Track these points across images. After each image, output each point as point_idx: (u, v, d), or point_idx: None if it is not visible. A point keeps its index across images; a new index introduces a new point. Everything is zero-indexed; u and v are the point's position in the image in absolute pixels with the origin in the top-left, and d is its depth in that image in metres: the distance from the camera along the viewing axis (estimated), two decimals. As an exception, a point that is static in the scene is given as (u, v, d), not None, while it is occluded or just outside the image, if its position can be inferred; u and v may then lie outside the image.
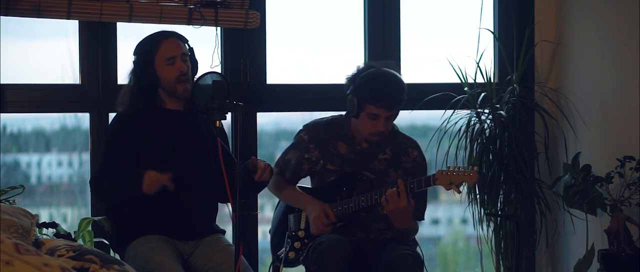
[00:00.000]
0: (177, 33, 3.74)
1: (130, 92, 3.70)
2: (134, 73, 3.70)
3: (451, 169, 3.66)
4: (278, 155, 4.12)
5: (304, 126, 3.97)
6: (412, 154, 3.92)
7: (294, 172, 3.94)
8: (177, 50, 3.67)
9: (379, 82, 3.76)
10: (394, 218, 3.74)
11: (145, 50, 3.68)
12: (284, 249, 3.85)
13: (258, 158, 3.70)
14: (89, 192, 4.21)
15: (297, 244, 3.84)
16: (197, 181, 3.70)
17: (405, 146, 3.92)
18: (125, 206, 3.67)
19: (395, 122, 3.94)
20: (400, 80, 3.81)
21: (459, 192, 3.72)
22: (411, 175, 3.85)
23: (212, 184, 3.70)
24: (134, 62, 3.71)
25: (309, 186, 3.99)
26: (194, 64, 3.75)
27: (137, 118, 3.68)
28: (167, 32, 3.75)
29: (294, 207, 3.93)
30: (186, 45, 3.73)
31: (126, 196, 3.57)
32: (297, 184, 4.00)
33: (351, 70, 3.89)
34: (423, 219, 3.96)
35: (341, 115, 3.97)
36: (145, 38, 3.72)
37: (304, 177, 3.98)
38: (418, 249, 3.83)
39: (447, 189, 3.68)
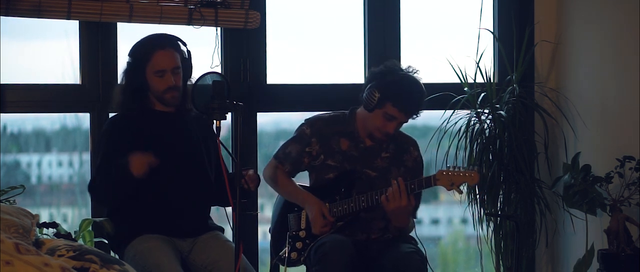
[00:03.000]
0: (173, 41, 3.72)
1: (122, 92, 3.74)
2: (126, 74, 3.73)
3: (452, 169, 3.66)
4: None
5: (306, 120, 3.97)
6: (413, 153, 3.94)
7: (294, 166, 3.94)
8: (168, 63, 3.67)
9: (408, 88, 3.79)
10: (393, 217, 3.74)
11: (138, 56, 3.69)
12: (285, 249, 3.85)
13: (258, 158, 3.72)
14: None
15: (298, 244, 3.84)
16: (189, 180, 3.72)
17: (407, 145, 3.94)
18: (123, 206, 3.69)
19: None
20: (425, 92, 3.86)
21: (461, 192, 3.72)
22: (411, 173, 3.86)
23: (205, 182, 3.72)
24: (127, 62, 3.73)
25: (307, 185, 3.99)
26: (188, 69, 3.74)
27: (129, 121, 3.72)
28: (163, 40, 3.72)
29: (293, 204, 3.92)
30: (184, 50, 3.73)
31: (121, 188, 3.58)
32: (297, 184, 4.00)
33: (376, 65, 3.91)
34: (415, 218, 3.97)
35: (344, 112, 3.97)
36: (141, 41, 3.72)
37: (303, 170, 3.98)
38: (422, 248, 3.85)
39: (449, 190, 3.68)
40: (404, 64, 3.92)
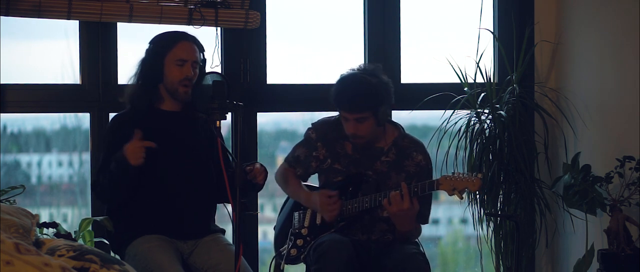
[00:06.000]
0: (197, 39, 3.77)
1: (135, 83, 3.73)
2: (142, 62, 3.73)
3: (455, 174, 3.65)
4: (278, 155, 4.13)
5: (312, 124, 3.98)
6: (416, 158, 3.89)
7: (304, 169, 3.96)
8: (190, 54, 3.69)
9: (341, 86, 3.79)
10: (396, 220, 3.73)
11: (161, 43, 3.70)
12: (286, 246, 3.86)
13: (258, 158, 3.72)
14: (90, 192, 4.21)
15: (299, 242, 3.84)
16: (193, 181, 3.71)
17: (410, 150, 3.90)
18: (125, 206, 3.69)
19: (401, 123, 3.95)
20: (367, 82, 3.75)
21: (462, 198, 3.70)
22: (415, 179, 3.84)
23: (209, 184, 3.71)
24: (146, 50, 3.73)
25: (316, 185, 4.00)
26: (202, 72, 3.75)
27: (133, 119, 3.70)
28: (188, 34, 3.76)
29: (300, 204, 3.94)
30: (201, 54, 3.75)
31: (121, 182, 3.57)
32: (306, 183, 4.01)
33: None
34: (427, 223, 3.96)
35: None
36: (166, 32, 3.76)
37: (313, 174, 4.00)
38: (422, 249, 3.84)
39: (450, 195, 3.66)
40: (365, 67, 3.88)
